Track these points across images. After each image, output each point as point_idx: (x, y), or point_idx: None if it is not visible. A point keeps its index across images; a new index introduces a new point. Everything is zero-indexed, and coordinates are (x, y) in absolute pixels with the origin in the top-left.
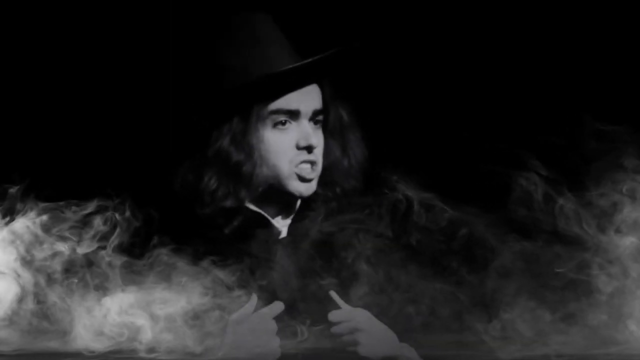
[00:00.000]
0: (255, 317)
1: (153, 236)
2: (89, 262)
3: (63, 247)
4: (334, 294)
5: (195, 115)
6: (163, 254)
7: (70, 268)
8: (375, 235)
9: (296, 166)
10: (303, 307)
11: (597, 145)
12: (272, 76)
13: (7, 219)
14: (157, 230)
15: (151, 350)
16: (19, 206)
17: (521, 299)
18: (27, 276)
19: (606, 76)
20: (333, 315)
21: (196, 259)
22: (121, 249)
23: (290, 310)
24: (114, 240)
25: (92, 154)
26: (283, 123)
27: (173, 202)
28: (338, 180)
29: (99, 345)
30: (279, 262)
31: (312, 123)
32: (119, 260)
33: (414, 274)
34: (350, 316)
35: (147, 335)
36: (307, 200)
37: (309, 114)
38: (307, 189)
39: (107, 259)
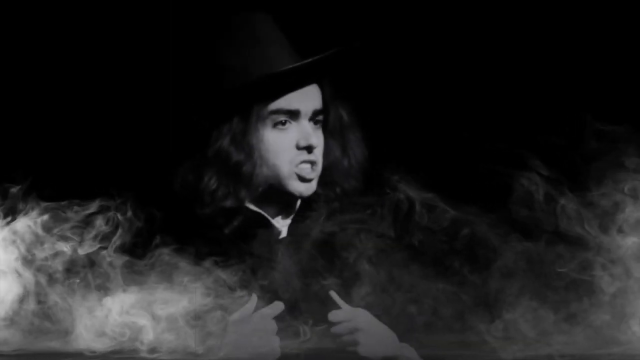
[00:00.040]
0: (255, 317)
1: (155, 236)
2: (91, 262)
3: (65, 247)
4: (333, 294)
5: (195, 115)
6: (165, 253)
7: (71, 268)
8: (377, 235)
9: (296, 166)
10: (305, 307)
11: (598, 145)
12: (272, 76)
13: (9, 218)
14: (159, 230)
15: (153, 350)
16: (20, 205)
17: (524, 299)
18: (28, 276)
19: (607, 76)
20: (333, 315)
21: (198, 259)
22: (123, 249)
23: (293, 310)
24: (116, 240)
25: (94, 153)
26: (283, 123)
27: (175, 202)
28: (338, 180)
29: (101, 346)
30: (281, 262)
31: (312, 123)
32: (120, 260)
33: (416, 274)
34: (350, 316)
35: (149, 335)
36: (307, 200)
37: (309, 114)
38: (307, 189)
39: (109, 258)
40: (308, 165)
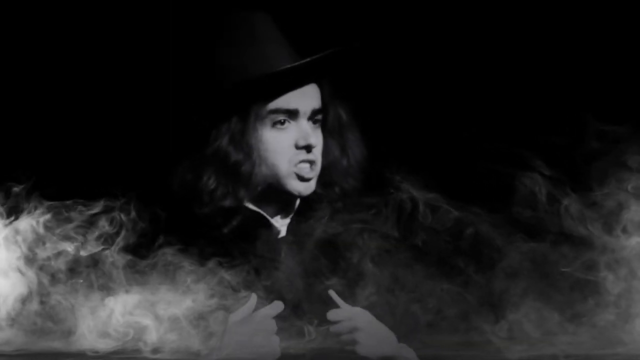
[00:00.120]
0: (255, 317)
1: (159, 236)
2: (94, 261)
3: (68, 247)
4: (333, 294)
5: (194, 114)
6: (168, 254)
7: (75, 268)
8: (381, 235)
9: (295, 165)
10: (309, 307)
11: (599, 145)
12: (271, 75)
13: (12, 217)
14: (162, 230)
15: (156, 350)
16: (24, 205)
17: (528, 299)
18: (31, 275)
19: (608, 76)
20: (332, 314)
21: (202, 259)
22: (127, 249)
23: (297, 310)
24: (120, 241)
25: (94, 153)
26: (282, 122)
27: (178, 202)
28: (337, 179)
29: (104, 346)
30: (284, 262)
31: (311, 122)
32: (124, 260)
33: (420, 275)
34: (349, 315)
35: (152, 335)
36: (306, 200)
37: (308, 113)
38: (306, 188)
39: (112, 259)
40: (307, 165)
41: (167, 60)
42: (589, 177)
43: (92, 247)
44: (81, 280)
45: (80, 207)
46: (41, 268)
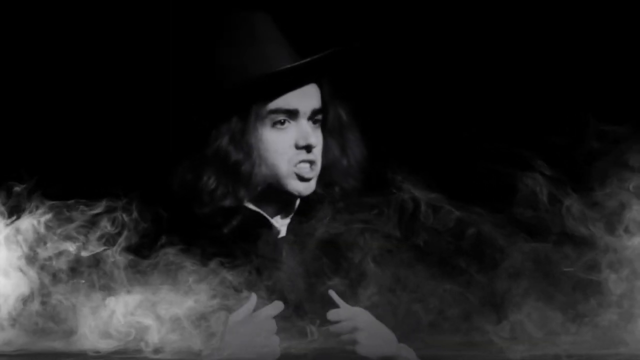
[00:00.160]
0: (255, 317)
1: (160, 236)
2: (96, 261)
3: (70, 247)
4: (333, 293)
5: (194, 114)
6: (170, 254)
7: (76, 267)
8: (383, 235)
9: (295, 165)
10: (311, 307)
11: (600, 144)
12: (271, 75)
13: (14, 217)
14: (164, 230)
15: (157, 351)
16: (25, 204)
17: (530, 299)
18: (32, 275)
19: (608, 76)
20: (332, 314)
21: (203, 259)
22: (128, 249)
23: (298, 310)
24: (122, 241)
25: (97, 153)
26: (282, 122)
27: (178, 202)
28: (337, 179)
29: (105, 346)
30: (285, 262)
31: (311, 122)
32: (125, 260)
33: (422, 275)
34: (349, 315)
35: (154, 336)
36: (306, 200)
37: (308, 113)
38: (306, 188)
39: (114, 259)
40: (307, 165)
41: (167, 60)
42: (590, 177)
43: (93, 247)
44: (83, 280)
45: (81, 207)
46: (42, 268)
